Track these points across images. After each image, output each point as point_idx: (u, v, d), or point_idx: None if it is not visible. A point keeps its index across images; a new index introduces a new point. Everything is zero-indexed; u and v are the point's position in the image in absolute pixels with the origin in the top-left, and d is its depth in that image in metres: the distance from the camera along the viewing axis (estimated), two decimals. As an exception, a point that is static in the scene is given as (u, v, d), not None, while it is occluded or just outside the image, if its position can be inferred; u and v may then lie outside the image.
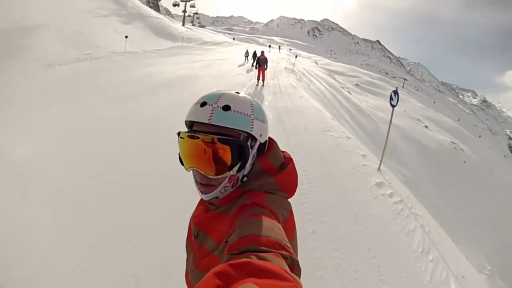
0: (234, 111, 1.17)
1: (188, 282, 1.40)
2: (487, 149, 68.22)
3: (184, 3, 75.42)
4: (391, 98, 9.26)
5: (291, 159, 1.36)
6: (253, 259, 0.75)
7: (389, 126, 9.56)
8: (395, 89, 9.48)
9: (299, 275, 0.86)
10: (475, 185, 30.90)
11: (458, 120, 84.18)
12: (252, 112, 1.21)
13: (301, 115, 12.16)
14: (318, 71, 41.09)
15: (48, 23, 21.67)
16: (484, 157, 48.16)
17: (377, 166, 8.48)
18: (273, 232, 0.94)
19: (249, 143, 1.20)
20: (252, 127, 1.19)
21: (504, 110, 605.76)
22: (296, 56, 51.91)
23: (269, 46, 70.19)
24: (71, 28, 22.86)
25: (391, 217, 6.17)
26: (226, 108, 1.16)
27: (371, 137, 19.20)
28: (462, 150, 36.63)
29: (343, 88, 35.96)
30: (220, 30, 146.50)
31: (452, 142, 35.89)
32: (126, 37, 24.89)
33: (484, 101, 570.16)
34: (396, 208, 6.44)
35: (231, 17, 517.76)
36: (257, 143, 1.26)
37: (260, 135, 1.23)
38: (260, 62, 18.81)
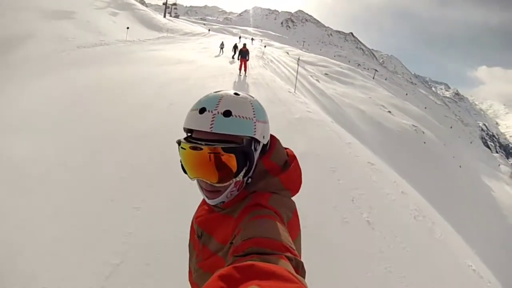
0: (235, 116, 1.13)
1: (191, 281, 1.39)
2: (453, 136, 70.42)
3: None
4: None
5: (294, 157, 1.34)
6: (257, 262, 0.76)
7: (298, 65, 15.89)
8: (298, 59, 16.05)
9: (303, 277, 0.87)
10: (435, 164, 32.29)
11: (425, 108, 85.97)
12: (254, 114, 1.18)
13: (261, 76, 19.34)
14: (287, 60, 42.43)
15: (74, 12, 26.95)
16: (447, 141, 49.97)
17: (293, 90, 16.37)
18: (277, 234, 0.95)
19: (253, 147, 1.18)
20: (255, 131, 1.16)
21: (476, 103, 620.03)
22: (265, 46, 54.35)
23: (239, 37, 66.76)
24: (82, 18, 26.78)
25: (293, 99, 13.45)
26: (227, 113, 1.12)
27: (331, 114, 20.38)
28: (423, 132, 38.07)
29: (311, 76, 37.18)
30: (194, 20, 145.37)
31: (413, 125, 37.26)
32: (128, 28, 28.63)
33: (457, 94, 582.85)
34: (294, 96, 14.56)
35: (205, 6, 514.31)
36: (261, 145, 1.24)
37: (263, 137, 1.21)
38: (243, 54, 19.77)
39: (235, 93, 1.20)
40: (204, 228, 1.30)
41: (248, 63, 19.94)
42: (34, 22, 20.71)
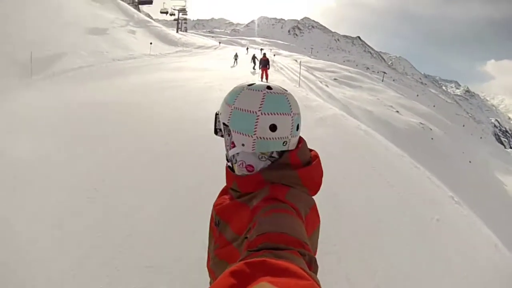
0: (224, 102, 1.28)
1: (209, 268, 1.42)
2: (465, 133, 70.32)
3: (177, 11, 79.30)
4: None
5: (317, 156, 1.33)
6: (270, 257, 0.76)
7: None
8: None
9: (316, 272, 0.88)
10: (443, 160, 32.76)
11: (434, 106, 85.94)
12: (230, 103, 1.24)
13: (274, 78, 23.04)
14: (294, 67, 43.59)
15: (107, 29, 31.12)
16: (457, 138, 50.28)
17: (298, 85, 21.61)
18: (291, 228, 0.94)
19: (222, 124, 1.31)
20: (229, 118, 1.23)
21: (488, 99, 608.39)
22: (274, 55, 57.04)
23: (247, 48, 65.57)
24: (110, 34, 30.09)
25: (297, 90, 18.17)
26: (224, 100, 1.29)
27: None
28: (430, 129, 38.72)
29: (320, 82, 38.59)
30: (202, 33, 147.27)
31: (421, 123, 37.94)
32: (151, 43, 31.81)
33: (468, 91, 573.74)
34: (298, 88, 19.56)
35: (212, 19, 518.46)
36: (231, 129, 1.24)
37: (228, 120, 1.24)
38: (263, 63, 21.63)
39: (249, 84, 1.25)
40: (221, 216, 1.32)
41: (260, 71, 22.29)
42: (74, 38, 23.36)
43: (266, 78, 20.98)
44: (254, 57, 29.01)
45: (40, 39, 18.94)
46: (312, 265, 0.86)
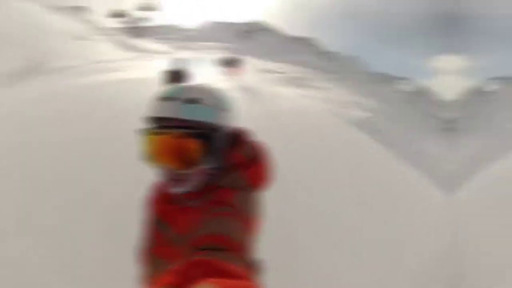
0: (200, 103, 1.12)
1: (142, 259, 1.38)
2: (414, 126, 72.23)
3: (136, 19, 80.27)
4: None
5: (265, 151, 1.30)
6: (213, 258, 0.77)
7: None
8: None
9: (256, 274, 0.95)
10: (391, 147, 33.73)
11: (381, 102, 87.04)
12: (217, 102, 1.18)
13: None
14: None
15: (78, 36, 31.41)
16: (406, 131, 51.52)
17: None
18: (236, 232, 0.97)
19: (215, 134, 1.15)
20: (217, 118, 1.15)
21: (439, 93, 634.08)
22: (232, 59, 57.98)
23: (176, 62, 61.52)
24: (82, 42, 30.49)
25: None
26: (192, 101, 1.11)
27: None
28: (377, 122, 38.87)
29: (267, 83, 39.23)
30: (153, 39, 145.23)
31: (368, 117, 38.09)
32: (120, 49, 33.95)
33: (418, 87, 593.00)
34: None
35: (161, 26, 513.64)
36: (223, 135, 1.19)
37: (224, 126, 1.19)
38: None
39: (200, 84, 1.25)
40: (162, 217, 1.30)
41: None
42: (55, 44, 23.42)
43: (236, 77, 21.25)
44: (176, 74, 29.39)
45: (26, 47, 19.28)
46: (253, 267, 0.91)
